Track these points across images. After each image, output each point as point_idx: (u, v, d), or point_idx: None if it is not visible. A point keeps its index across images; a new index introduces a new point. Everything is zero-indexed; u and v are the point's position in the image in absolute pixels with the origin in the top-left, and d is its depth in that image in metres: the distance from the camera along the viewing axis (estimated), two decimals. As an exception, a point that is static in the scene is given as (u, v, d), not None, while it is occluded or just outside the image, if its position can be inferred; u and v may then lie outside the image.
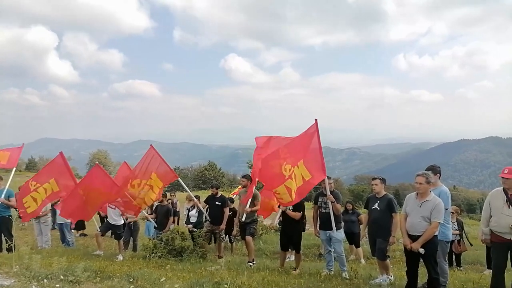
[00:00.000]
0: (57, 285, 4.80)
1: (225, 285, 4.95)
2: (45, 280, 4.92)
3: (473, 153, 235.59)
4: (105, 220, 10.18)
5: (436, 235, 5.22)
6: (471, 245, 9.52)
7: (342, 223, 6.98)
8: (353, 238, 9.71)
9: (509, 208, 5.00)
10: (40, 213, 9.72)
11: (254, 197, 7.89)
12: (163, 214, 9.49)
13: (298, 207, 6.87)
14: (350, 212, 9.83)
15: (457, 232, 9.28)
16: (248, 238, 7.85)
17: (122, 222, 9.49)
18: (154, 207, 10.45)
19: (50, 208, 10.23)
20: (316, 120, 6.74)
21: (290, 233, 7.01)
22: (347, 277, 6.36)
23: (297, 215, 6.85)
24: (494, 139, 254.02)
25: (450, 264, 9.45)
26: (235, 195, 13.90)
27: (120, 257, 8.40)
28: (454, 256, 9.51)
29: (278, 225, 7.78)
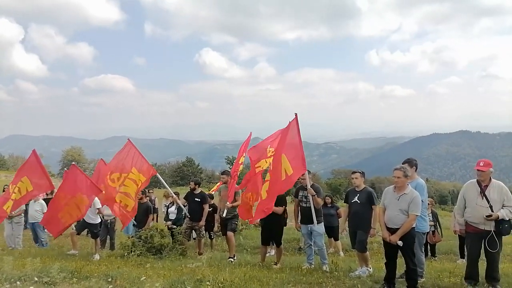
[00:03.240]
0: (31, 287, 4.62)
1: (207, 282, 4.89)
2: (18, 282, 4.73)
3: (445, 147, 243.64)
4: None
5: (414, 227, 5.34)
6: (442, 236, 9.84)
7: (322, 217, 7.03)
8: (332, 232, 9.84)
9: (482, 199, 5.17)
10: (13, 213, 9.35)
11: (235, 193, 7.85)
12: (143, 212, 9.30)
13: (280, 201, 6.87)
14: (329, 205, 9.94)
15: (432, 223, 9.55)
16: (230, 233, 7.81)
17: (99, 220, 9.25)
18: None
19: (24, 208, 9.86)
20: (296, 114, 6.76)
21: (271, 227, 7.02)
22: (328, 270, 6.42)
23: (279, 209, 6.86)
24: (464, 132, 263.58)
25: (425, 255, 9.74)
26: (214, 192, 13.81)
27: (97, 256, 8.20)
28: (429, 246, 9.79)
29: (259, 220, 7.78)
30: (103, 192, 8.34)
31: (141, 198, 9.51)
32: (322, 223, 6.87)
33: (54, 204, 8.40)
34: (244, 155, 9.72)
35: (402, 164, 5.56)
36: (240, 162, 9.29)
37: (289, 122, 6.83)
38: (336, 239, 9.99)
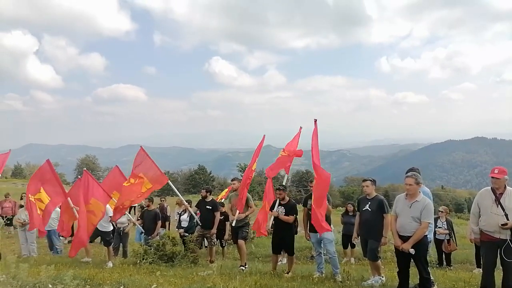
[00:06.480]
0: (45, 294, 4.69)
1: (218, 290, 4.90)
2: (32, 289, 4.81)
3: (460, 154, 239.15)
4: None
5: (426, 235, 5.26)
6: (457, 245, 9.62)
7: (332, 225, 6.97)
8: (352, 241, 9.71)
9: (497, 207, 5.06)
10: (26, 221, 9.53)
11: (247, 200, 7.85)
12: (151, 219, 9.39)
13: (291, 210, 6.85)
14: (350, 214, 9.78)
15: (447, 231, 9.36)
16: (241, 241, 7.80)
17: (111, 228, 9.37)
18: (141, 212, 10.34)
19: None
20: (315, 120, 6.83)
21: (283, 236, 6.98)
22: (340, 279, 6.34)
23: (290, 218, 6.83)
24: (480, 139, 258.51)
25: (441, 264, 9.54)
26: (223, 199, 13.81)
27: (110, 264, 8.28)
28: (444, 255, 9.59)
29: (270, 228, 7.77)
30: (113, 199, 8.45)
31: (148, 206, 9.61)
32: (332, 230, 6.80)
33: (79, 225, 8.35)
34: (256, 160, 9.62)
35: (406, 174, 5.49)
36: (253, 169, 9.15)
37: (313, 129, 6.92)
38: (353, 247, 9.92)
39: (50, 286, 4.95)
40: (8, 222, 13.62)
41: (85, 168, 9.44)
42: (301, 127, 7.39)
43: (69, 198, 8.89)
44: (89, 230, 8.45)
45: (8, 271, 5.41)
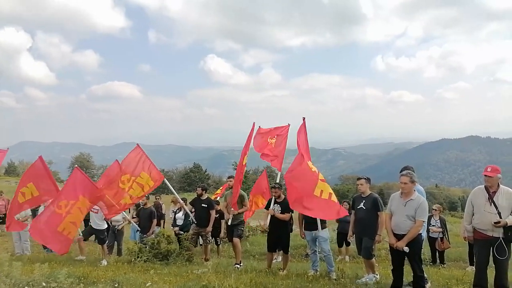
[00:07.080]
0: (39, 292, 4.67)
1: (212, 288, 4.90)
2: (26, 287, 4.78)
3: (454, 152, 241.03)
4: (88, 224, 9.98)
5: (421, 233, 5.29)
6: (449, 243, 9.69)
7: (327, 223, 6.99)
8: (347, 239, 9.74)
9: (490, 205, 5.10)
10: (20, 219, 9.45)
11: (242, 198, 7.84)
12: (147, 217, 9.36)
13: (287, 208, 6.86)
14: None
15: (440, 229, 9.42)
16: (236, 240, 7.81)
17: (106, 226, 9.32)
18: (137, 211, 10.29)
19: (30, 213, 9.96)
20: (304, 118, 6.89)
21: (279, 234, 6.99)
22: (335, 277, 6.37)
23: (286, 216, 6.84)
24: (473, 138, 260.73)
25: (434, 262, 9.61)
26: (218, 197, 13.78)
27: (104, 262, 8.24)
28: (437, 253, 9.66)
29: (269, 225, 7.78)
30: (107, 196, 8.36)
31: (144, 204, 9.58)
32: (327, 228, 6.83)
33: (52, 218, 8.19)
34: (247, 153, 9.46)
35: (401, 172, 5.51)
36: (244, 163, 8.99)
37: (300, 126, 6.94)
38: (348, 245, 9.95)
39: (44, 284, 4.92)
40: (1, 220, 13.52)
41: (76, 165, 9.38)
42: (289, 124, 7.45)
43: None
44: (76, 227, 8.39)
45: (2, 269, 5.38)
